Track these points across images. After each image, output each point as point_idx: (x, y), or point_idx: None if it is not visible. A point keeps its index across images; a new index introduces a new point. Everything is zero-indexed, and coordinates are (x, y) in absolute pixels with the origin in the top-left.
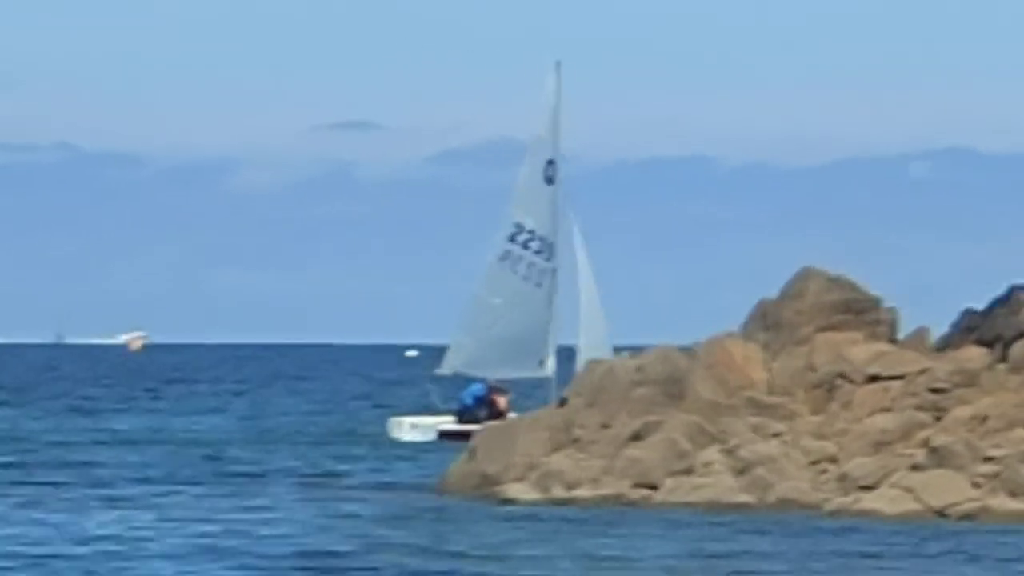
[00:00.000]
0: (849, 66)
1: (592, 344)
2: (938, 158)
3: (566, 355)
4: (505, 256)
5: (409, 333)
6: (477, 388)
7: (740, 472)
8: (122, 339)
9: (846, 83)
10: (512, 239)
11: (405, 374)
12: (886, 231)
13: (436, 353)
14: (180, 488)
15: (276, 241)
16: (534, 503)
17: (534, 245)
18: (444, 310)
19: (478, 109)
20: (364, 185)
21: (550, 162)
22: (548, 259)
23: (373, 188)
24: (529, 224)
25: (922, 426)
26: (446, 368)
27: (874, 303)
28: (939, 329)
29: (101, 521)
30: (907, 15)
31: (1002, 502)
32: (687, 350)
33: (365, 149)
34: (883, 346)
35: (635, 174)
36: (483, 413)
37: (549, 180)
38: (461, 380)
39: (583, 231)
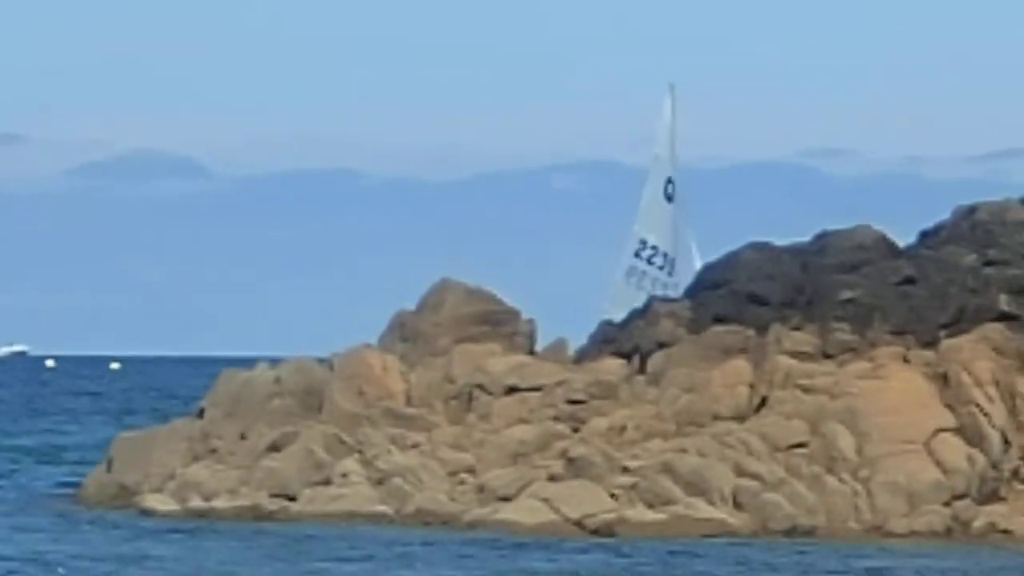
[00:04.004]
0: (493, 81)
1: None
2: (581, 171)
3: None
4: (631, 272)
5: (51, 346)
6: None
7: (378, 483)
8: None
9: (490, 98)
10: (637, 255)
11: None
12: (528, 243)
13: (75, 363)
14: None
15: None
16: (172, 514)
17: (657, 260)
18: (89, 320)
19: (120, 121)
20: (6, 198)
21: (669, 180)
22: (670, 274)
23: (15, 201)
24: (652, 240)
25: (560, 437)
26: None
27: (512, 315)
28: (577, 341)
29: None
30: (548, 36)
31: (640, 513)
32: (324, 361)
33: (7, 162)
34: (521, 358)
35: (279, 186)
36: None
37: (669, 198)
38: None
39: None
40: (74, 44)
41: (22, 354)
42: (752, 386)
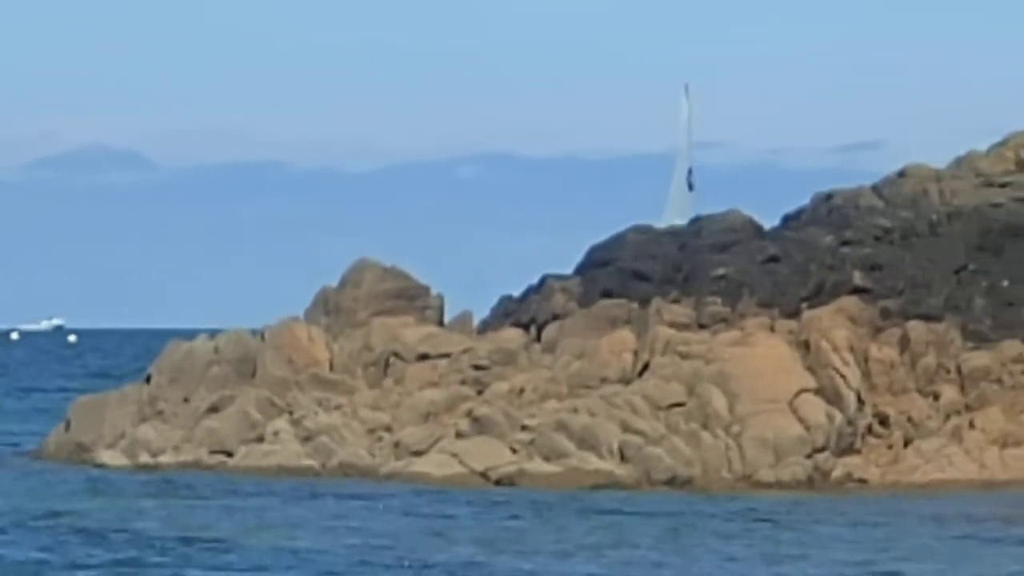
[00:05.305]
0: (404, 81)
1: None
2: (484, 162)
3: None
4: None
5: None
6: None
7: (306, 440)
8: None
9: (401, 96)
10: None
11: None
12: (436, 228)
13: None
14: None
15: None
16: (123, 468)
17: None
18: (49, 297)
19: (70, 117)
20: None
21: (690, 171)
22: None
23: None
24: (679, 225)
25: (466, 399)
26: None
27: (424, 291)
28: (481, 313)
29: None
30: (454, 34)
31: (537, 465)
32: (257, 333)
33: None
34: (432, 329)
35: (215, 177)
36: None
37: (691, 186)
38: None
39: None
40: (26, 48)
41: (59, 327)
42: (636, 353)
